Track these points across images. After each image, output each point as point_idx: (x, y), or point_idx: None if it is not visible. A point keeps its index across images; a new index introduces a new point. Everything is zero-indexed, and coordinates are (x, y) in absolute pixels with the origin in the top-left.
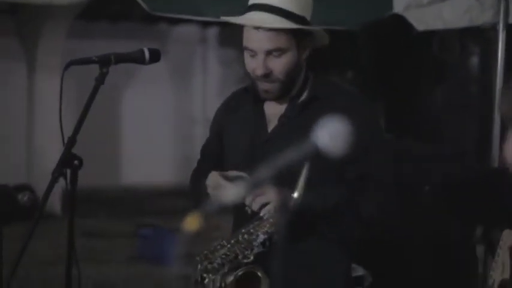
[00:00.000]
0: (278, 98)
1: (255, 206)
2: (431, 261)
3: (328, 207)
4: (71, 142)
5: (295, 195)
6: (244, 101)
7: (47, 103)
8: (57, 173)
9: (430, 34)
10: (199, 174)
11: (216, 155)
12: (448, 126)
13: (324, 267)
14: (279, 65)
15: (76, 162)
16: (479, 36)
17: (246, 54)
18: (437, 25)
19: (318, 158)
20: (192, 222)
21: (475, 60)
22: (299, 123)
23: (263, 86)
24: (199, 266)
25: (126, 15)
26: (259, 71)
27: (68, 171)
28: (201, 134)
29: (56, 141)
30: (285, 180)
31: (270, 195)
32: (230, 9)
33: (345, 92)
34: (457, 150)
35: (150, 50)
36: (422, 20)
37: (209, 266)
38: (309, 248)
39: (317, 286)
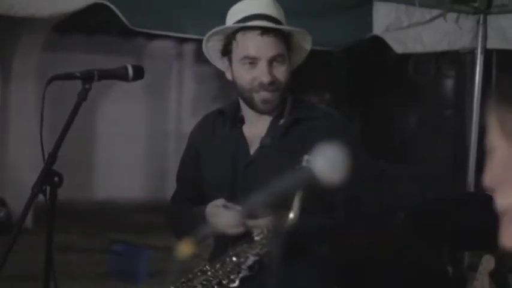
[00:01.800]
0: (274, 111)
1: (247, 229)
2: (405, 284)
3: (320, 230)
4: (51, 158)
5: (291, 215)
6: (220, 123)
7: (22, 115)
8: (37, 189)
9: (406, 56)
10: (182, 203)
11: (194, 181)
12: (422, 148)
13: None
14: (282, 72)
15: (56, 178)
16: (454, 60)
17: (243, 66)
18: (417, 48)
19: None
20: (186, 248)
21: (449, 82)
22: (282, 145)
23: (264, 96)
24: None
25: (102, 29)
26: (266, 78)
27: (48, 188)
28: (174, 150)
29: (30, 155)
30: (277, 205)
31: (263, 219)
32: (213, 26)
33: (326, 114)
34: (430, 172)
35: (134, 66)
36: (402, 43)
37: None
38: (294, 271)
39: None
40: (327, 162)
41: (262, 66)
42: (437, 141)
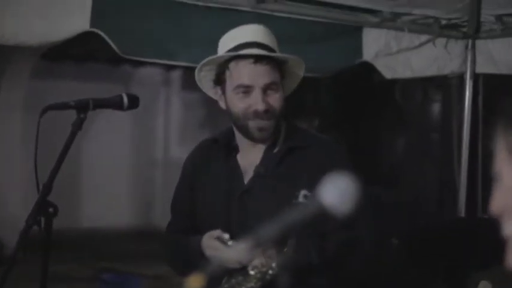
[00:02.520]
0: (268, 139)
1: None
2: None
3: (316, 262)
4: (46, 189)
5: (286, 249)
6: (214, 152)
7: (9, 144)
8: (31, 221)
9: (393, 81)
10: (177, 233)
11: (189, 212)
12: (410, 172)
13: None
14: (276, 100)
15: (51, 209)
16: (440, 84)
17: (237, 95)
18: (406, 73)
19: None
20: (195, 283)
21: (436, 107)
22: (277, 174)
23: (259, 124)
24: None
25: (90, 57)
26: (261, 106)
27: (42, 218)
28: (162, 177)
29: (18, 186)
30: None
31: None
32: (204, 54)
33: (321, 141)
34: (419, 196)
35: (128, 95)
36: (391, 68)
37: None
38: None
39: None
40: (336, 193)
41: (256, 94)
42: (424, 165)
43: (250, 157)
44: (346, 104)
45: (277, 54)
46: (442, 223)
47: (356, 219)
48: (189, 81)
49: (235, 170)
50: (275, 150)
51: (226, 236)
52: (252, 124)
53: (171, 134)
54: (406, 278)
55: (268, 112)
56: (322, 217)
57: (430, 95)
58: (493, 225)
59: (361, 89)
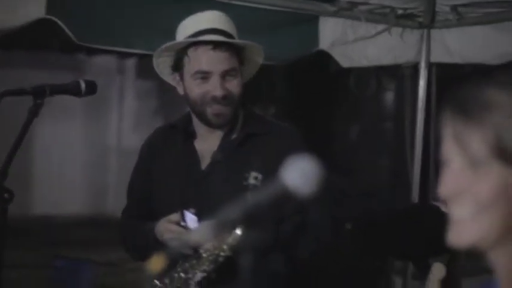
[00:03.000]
0: (226, 125)
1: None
2: None
3: (270, 243)
4: (1, 175)
5: (238, 231)
6: (171, 138)
7: None
8: None
9: (347, 70)
10: (133, 218)
11: (145, 197)
12: (363, 160)
13: None
14: (235, 86)
15: (6, 195)
16: (394, 73)
17: (195, 80)
18: (362, 62)
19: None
20: (156, 263)
21: (389, 96)
22: (234, 160)
23: (217, 109)
24: None
25: (42, 45)
26: (219, 92)
27: None
28: (115, 165)
29: None
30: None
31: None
32: (161, 41)
33: (278, 127)
34: (372, 184)
35: (86, 81)
36: (347, 57)
37: None
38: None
39: None
40: (299, 174)
41: (214, 80)
42: (378, 153)
43: (207, 143)
44: (302, 92)
45: (236, 41)
46: (396, 210)
47: (312, 204)
48: (143, 70)
49: (193, 156)
50: (233, 137)
51: (175, 216)
52: (210, 110)
53: (125, 122)
54: (360, 264)
55: (226, 98)
56: (284, 199)
57: (384, 84)
58: (444, 210)
59: (317, 77)
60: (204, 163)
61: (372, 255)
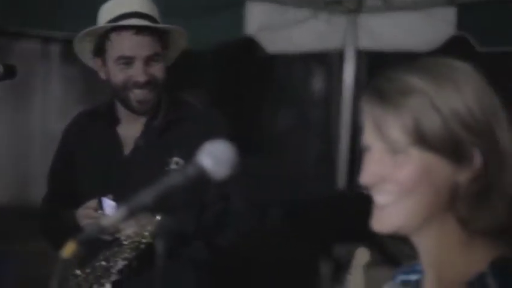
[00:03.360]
0: (149, 111)
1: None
2: (277, 279)
3: (190, 232)
4: None
5: (159, 217)
6: (94, 123)
7: None
8: None
9: (276, 56)
10: (53, 205)
11: (66, 182)
12: (291, 147)
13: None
14: (158, 71)
15: None
16: (323, 59)
17: (118, 65)
18: (289, 48)
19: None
20: (69, 249)
21: (318, 82)
22: (157, 146)
23: (140, 95)
24: None
25: None
26: (142, 77)
27: None
28: (39, 152)
29: None
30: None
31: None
32: (83, 25)
33: (202, 113)
34: (301, 172)
35: (4, 65)
36: (274, 43)
37: None
38: (167, 273)
39: None
40: (213, 157)
41: (137, 65)
42: (306, 140)
43: (131, 129)
44: (229, 77)
45: (160, 25)
46: (323, 196)
47: (233, 190)
48: (69, 55)
49: (115, 142)
50: (156, 122)
51: (94, 202)
52: (133, 96)
53: (49, 109)
54: (287, 251)
55: (149, 83)
56: (200, 183)
57: (312, 70)
58: (369, 196)
59: (244, 63)
60: (127, 149)
61: (299, 241)
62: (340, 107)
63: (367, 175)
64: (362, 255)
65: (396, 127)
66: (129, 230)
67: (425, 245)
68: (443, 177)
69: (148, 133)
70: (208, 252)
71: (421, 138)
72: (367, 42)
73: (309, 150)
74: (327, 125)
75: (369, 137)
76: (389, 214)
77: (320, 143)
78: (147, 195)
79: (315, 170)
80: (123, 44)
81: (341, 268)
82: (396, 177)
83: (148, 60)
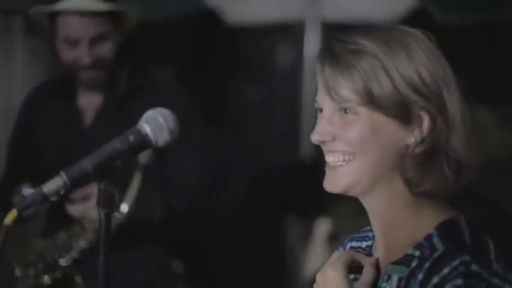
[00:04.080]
0: (101, 87)
1: (76, 211)
2: (244, 252)
3: (154, 218)
4: None
5: (125, 207)
6: (53, 95)
7: None
8: None
9: (239, 27)
10: (14, 178)
11: (26, 154)
12: (258, 120)
13: (143, 265)
14: (106, 50)
15: None
16: (287, 31)
17: (65, 46)
18: (250, 19)
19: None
20: (9, 216)
21: (283, 55)
22: (118, 116)
23: (87, 75)
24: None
25: None
26: (87, 59)
27: None
28: (4, 126)
29: None
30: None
31: (92, 201)
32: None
33: (164, 85)
34: (266, 144)
35: None
36: (235, 13)
37: (22, 260)
38: (135, 246)
39: (142, 282)
40: (154, 124)
41: (82, 47)
42: (270, 112)
43: (90, 100)
44: (195, 52)
45: (101, 8)
46: (287, 168)
47: (185, 162)
48: (31, 28)
49: (75, 113)
50: (116, 94)
51: (28, 190)
52: (81, 75)
53: (13, 81)
54: (250, 223)
55: (95, 64)
56: (143, 148)
57: (276, 43)
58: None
59: (208, 35)
60: (87, 120)
61: (264, 213)
62: (302, 79)
63: (318, 134)
64: (323, 226)
65: (346, 87)
66: (92, 213)
67: (375, 207)
68: (391, 138)
69: (108, 104)
70: (170, 229)
71: (370, 99)
72: (330, 13)
73: (273, 122)
74: (292, 98)
75: (321, 98)
76: (340, 174)
77: (285, 114)
78: (87, 163)
79: (280, 143)
80: (68, 25)
81: (305, 240)
82: (345, 136)
83: (94, 41)
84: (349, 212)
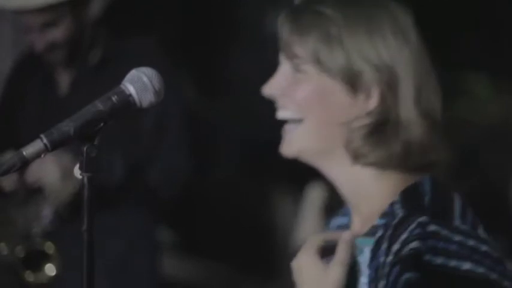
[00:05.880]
0: (68, 62)
1: (31, 178)
2: (233, 220)
3: (120, 179)
4: None
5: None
6: (31, 67)
7: None
8: None
9: None
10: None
11: (6, 129)
12: (248, 87)
13: (129, 231)
14: (59, 34)
15: None
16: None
17: (25, 32)
18: None
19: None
20: None
21: (274, 22)
22: (93, 84)
23: (48, 59)
24: None
25: None
26: (38, 46)
27: None
28: None
29: None
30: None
31: (49, 168)
32: None
33: (140, 51)
34: (256, 113)
35: None
36: None
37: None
38: (112, 212)
39: (123, 250)
40: (138, 84)
41: (33, 34)
42: (262, 80)
43: (67, 71)
44: (184, 20)
45: (37, 4)
46: (278, 138)
47: (173, 123)
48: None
49: (52, 83)
50: (91, 63)
51: None
52: (44, 58)
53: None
54: (243, 192)
55: (49, 49)
56: (126, 109)
57: (266, 10)
58: None
59: (197, 5)
60: (63, 90)
61: (252, 182)
62: None
63: (269, 87)
64: (315, 193)
65: (301, 47)
66: (50, 180)
67: (338, 178)
68: (338, 104)
69: (82, 73)
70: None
71: (321, 62)
72: None
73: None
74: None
75: (281, 55)
76: (292, 138)
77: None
78: (69, 125)
79: (269, 111)
80: (21, 13)
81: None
82: (294, 94)
83: (45, 27)
84: None
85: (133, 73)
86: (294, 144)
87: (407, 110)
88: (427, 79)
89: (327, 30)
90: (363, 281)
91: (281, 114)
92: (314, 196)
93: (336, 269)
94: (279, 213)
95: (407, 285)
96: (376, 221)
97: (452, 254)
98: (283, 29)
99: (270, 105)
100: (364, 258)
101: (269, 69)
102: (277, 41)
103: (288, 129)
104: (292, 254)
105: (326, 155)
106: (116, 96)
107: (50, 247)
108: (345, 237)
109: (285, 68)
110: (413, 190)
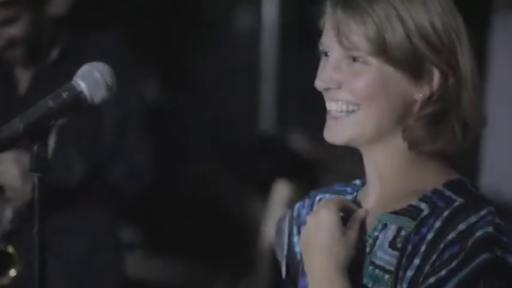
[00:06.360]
0: (28, 60)
1: None
2: (200, 218)
3: (81, 178)
4: None
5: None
6: None
7: None
8: None
9: None
10: None
11: None
12: (220, 87)
13: (90, 231)
14: (17, 31)
15: None
16: None
17: None
18: None
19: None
20: None
21: (243, 20)
22: (53, 82)
23: (8, 57)
24: None
25: None
26: None
27: None
28: None
29: None
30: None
31: (8, 167)
32: None
33: (101, 48)
34: (226, 113)
35: None
36: None
37: None
38: (73, 212)
39: (85, 250)
40: (90, 80)
41: None
42: (235, 79)
43: (26, 69)
44: (147, 15)
45: None
46: (247, 137)
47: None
48: None
49: (11, 80)
50: (51, 60)
51: None
52: (2, 56)
53: None
54: (214, 190)
55: (8, 46)
56: (78, 106)
57: (235, 7)
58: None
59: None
60: (23, 88)
61: (222, 180)
62: (259, 46)
63: (323, 80)
64: (282, 190)
65: (358, 34)
66: (8, 180)
67: (377, 160)
68: (399, 92)
69: (43, 70)
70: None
71: (383, 48)
72: None
73: (236, 90)
74: (255, 66)
75: (329, 42)
76: (343, 125)
77: (246, 83)
78: (18, 123)
79: (239, 112)
80: None
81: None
82: (352, 86)
83: (2, 24)
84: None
85: (85, 68)
86: (346, 133)
87: (468, 93)
88: (474, 60)
89: (385, 12)
90: (379, 255)
91: (335, 108)
92: (281, 193)
93: (352, 232)
94: (247, 211)
95: (484, 265)
96: (415, 202)
97: (509, 250)
98: (336, 13)
99: (238, 101)
100: (386, 234)
101: (236, 64)
102: (243, 36)
103: (336, 115)
104: (261, 252)
105: (377, 142)
106: (66, 93)
107: (9, 248)
108: (363, 210)
109: (338, 56)
110: (461, 184)
